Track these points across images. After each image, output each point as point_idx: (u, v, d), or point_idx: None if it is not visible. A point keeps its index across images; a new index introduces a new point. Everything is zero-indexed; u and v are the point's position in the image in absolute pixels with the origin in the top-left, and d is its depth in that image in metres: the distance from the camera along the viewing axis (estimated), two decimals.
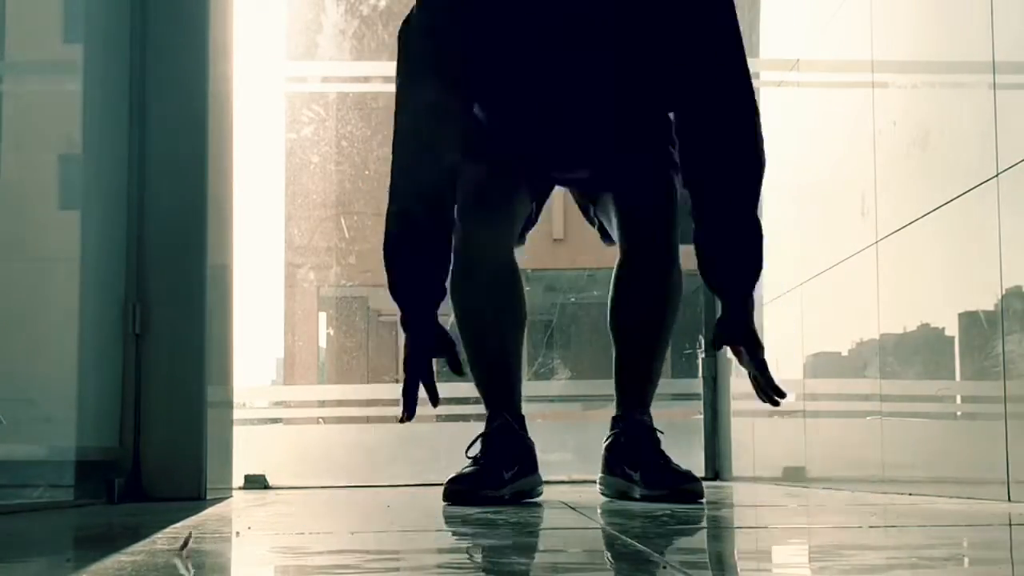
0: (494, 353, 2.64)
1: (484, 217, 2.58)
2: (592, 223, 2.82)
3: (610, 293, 2.67)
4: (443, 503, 2.39)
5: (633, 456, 2.56)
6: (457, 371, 2.47)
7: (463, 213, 2.55)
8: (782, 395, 2.44)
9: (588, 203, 2.79)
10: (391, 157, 2.53)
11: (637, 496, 2.51)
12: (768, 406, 2.45)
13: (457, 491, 2.42)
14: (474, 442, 2.59)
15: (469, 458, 2.55)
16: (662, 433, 2.61)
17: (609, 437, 2.66)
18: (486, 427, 2.62)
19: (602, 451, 2.68)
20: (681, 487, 2.41)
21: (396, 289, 2.49)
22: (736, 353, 2.51)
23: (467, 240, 2.55)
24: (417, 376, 2.43)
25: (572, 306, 6.86)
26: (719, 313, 2.51)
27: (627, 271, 2.63)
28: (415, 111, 2.50)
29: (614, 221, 2.66)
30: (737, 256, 2.46)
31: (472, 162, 2.57)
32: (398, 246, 2.48)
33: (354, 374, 6.85)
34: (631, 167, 2.61)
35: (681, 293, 2.64)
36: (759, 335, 2.47)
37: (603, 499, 2.61)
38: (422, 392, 2.44)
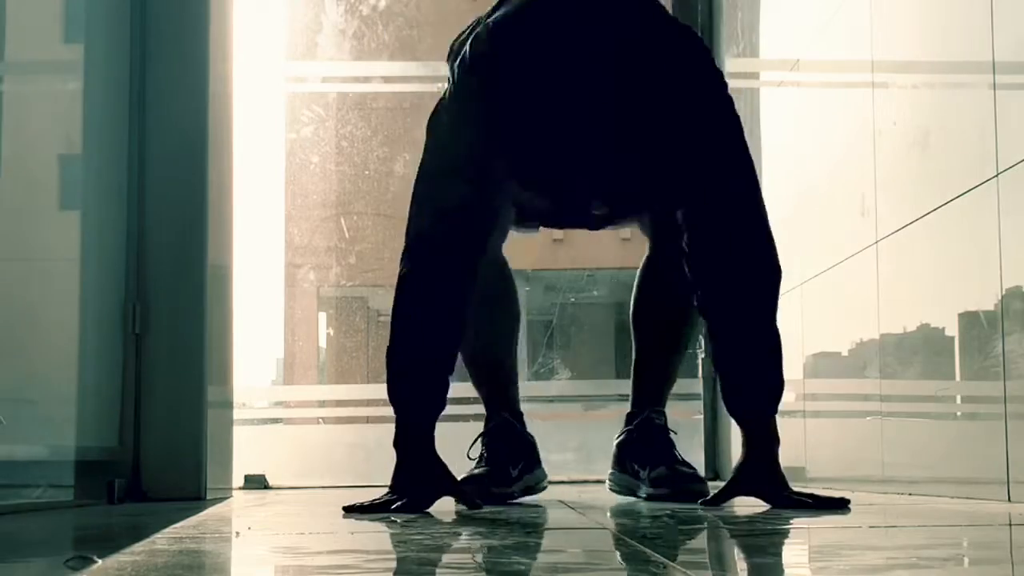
0: (492, 358, 2.64)
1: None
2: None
3: (634, 291, 2.69)
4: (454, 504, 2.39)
5: (644, 454, 2.58)
6: (473, 506, 2.21)
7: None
8: (842, 503, 2.11)
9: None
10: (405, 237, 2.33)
11: (643, 495, 2.54)
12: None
13: (468, 491, 2.40)
14: (474, 443, 2.60)
15: (472, 459, 2.56)
16: (675, 433, 2.63)
17: (622, 434, 2.68)
18: (485, 426, 2.63)
19: (614, 447, 2.69)
20: (684, 487, 2.44)
21: (395, 392, 2.29)
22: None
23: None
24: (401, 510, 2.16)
25: (572, 306, 6.85)
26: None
27: (655, 272, 2.63)
28: (435, 208, 2.31)
29: (648, 225, 2.66)
30: (754, 378, 2.22)
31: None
32: (403, 345, 2.29)
33: (354, 374, 6.85)
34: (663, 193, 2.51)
35: None
36: (782, 475, 2.19)
37: (604, 498, 2.61)
38: None
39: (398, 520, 1.95)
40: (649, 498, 2.51)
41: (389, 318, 2.37)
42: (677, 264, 2.42)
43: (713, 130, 2.28)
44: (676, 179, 2.32)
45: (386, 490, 2.23)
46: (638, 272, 2.69)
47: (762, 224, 2.25)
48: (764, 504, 2.16)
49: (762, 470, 2.18)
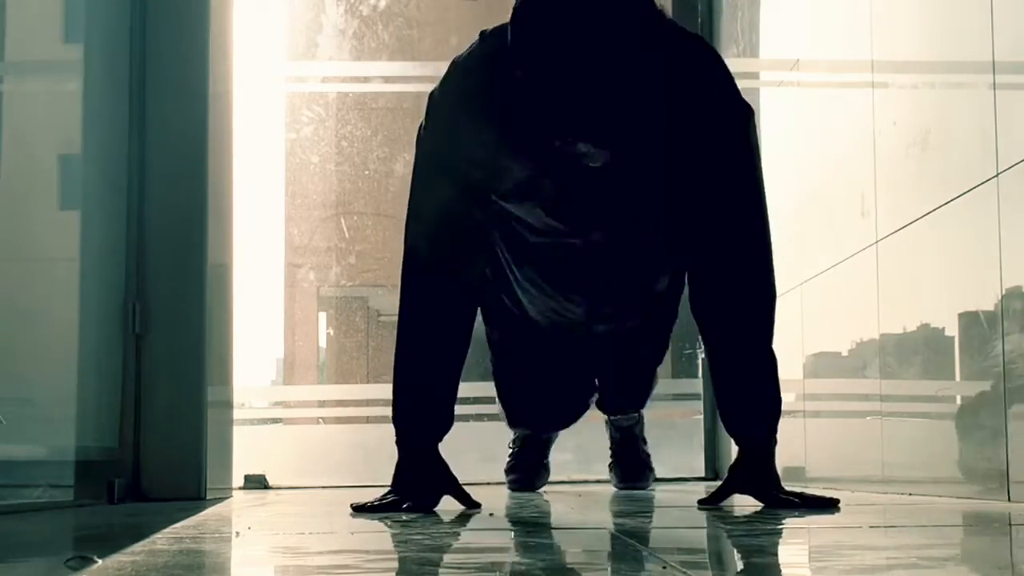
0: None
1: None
2: None
3: None
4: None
5: (616, 454, 3.28)
6: (469, 506, 2.24)
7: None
8: (832, 503, 2.14)
9: None
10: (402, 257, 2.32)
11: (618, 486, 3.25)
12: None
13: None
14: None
15: (511, 448, 3.22)
16: (645, 442, 3.27)
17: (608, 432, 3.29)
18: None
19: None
20: (632, 484, 3.22)
21: (396, 409, 2.30)
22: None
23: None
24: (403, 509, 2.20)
25: None
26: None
27: None
28: (427, 231, 2.29)
29: None
30: (752, 402, 2.24)
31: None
32: (404, 361, 2.29)
33: (354, 374, 6.85)
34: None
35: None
36: (777, 476, 2.24)
37: (604, 499, 2.63)
38: None
39: (403, 518, 1.95)
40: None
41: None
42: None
43: (726, 166, 2.23)
44: (686, 209, 2.28)
45: (388, 488, 2.25)
46: None
47: (765, 251, 2.24)
48: (759, 503, 2.17)
49: (755, 471, 2.21)
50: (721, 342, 2.25)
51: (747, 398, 2.24)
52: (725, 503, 2.23)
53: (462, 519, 1.99)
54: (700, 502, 2.25)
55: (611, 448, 3.28)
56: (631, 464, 3.24)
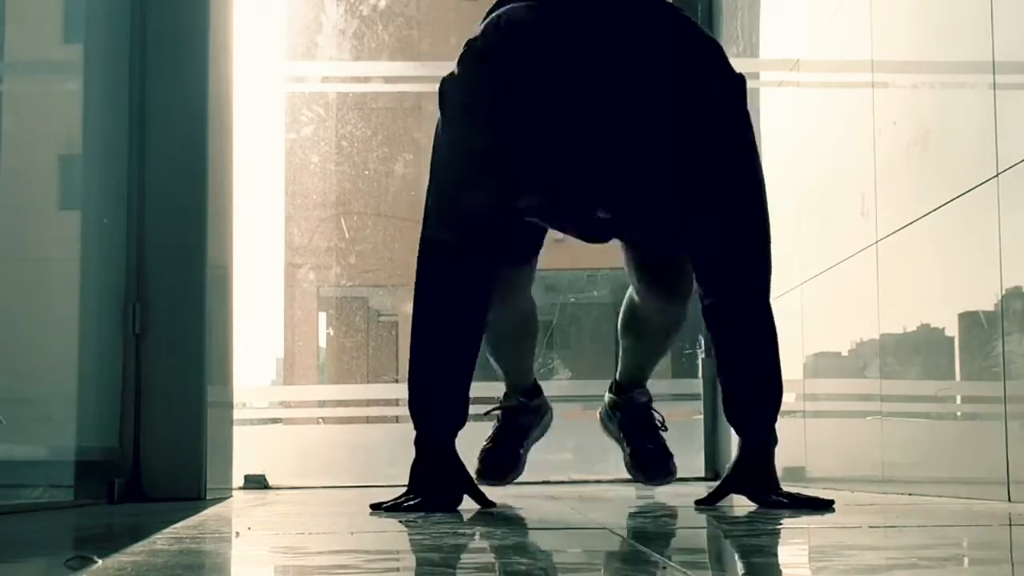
0: (514, 368, 2.87)
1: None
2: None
3: (624, 304, 2.75)
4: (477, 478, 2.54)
5: (627, 428, 2.85)
6: (485, 505, 2.24)
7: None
8: (826, 504, 2.12)
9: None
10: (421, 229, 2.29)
11: (624, 462, 2.84)
12: None
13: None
14: (492, 410, 2.86)
15: (490, 420, 2.85)
16: (660, 415, 2.86)
17: (612, 399, 2.89)
18: (503, 399, 2.87)
19: (606, 396, 2.91)
20: (656, 471, 2.77)
21: (413, 403, 2.25)
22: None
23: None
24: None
25: (572, 306, 6.85)
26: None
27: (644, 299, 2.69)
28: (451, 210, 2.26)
29: (633, 271, 2.66)
30: (756, 395, 2.22)
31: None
32: (424, 350, 2.26)
33: (354, 374, 6.85)
34: (657, 229, 2.51)
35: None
36: (775, 477, 2.22)
37: (604, 498, 2.62)
38: None
39: (409, 517, 1.95)
40: (629, 473, 2.82)
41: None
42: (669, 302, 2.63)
43: (728, 167, 2.23)
44: (685, 205, 2.27)
45: (406, 488, 2.25)
46: (630, 291, 2.71)
47: (765, 262, 2.23)
48: (754, 504, 2.17)
49: (755, 471, 2.20)
50: (724, 335, 2.24)
51: (749, 383, 2.22)
52: (724, 503, 2.23)
53: (463, 518, 1.99)
54: (697, 502, 2.24)
55: (625, 439, 2.84)
56: (656, 453, 2.81)
